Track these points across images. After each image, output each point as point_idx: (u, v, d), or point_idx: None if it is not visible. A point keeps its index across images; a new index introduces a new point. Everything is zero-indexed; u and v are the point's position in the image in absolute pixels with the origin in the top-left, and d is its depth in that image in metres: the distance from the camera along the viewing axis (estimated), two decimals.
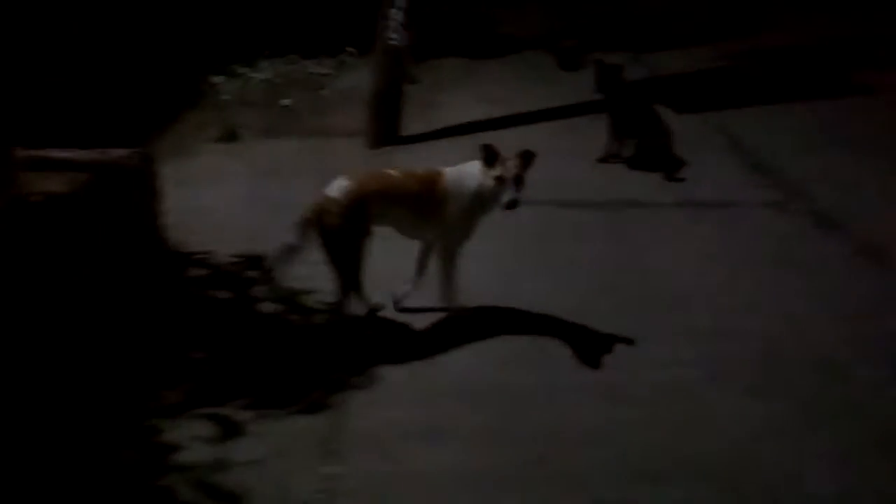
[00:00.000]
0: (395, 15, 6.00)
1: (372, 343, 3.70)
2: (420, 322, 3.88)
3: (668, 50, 9.80)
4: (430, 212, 3.55)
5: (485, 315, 3.90)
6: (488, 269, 4.23)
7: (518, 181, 3.35)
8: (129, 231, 4.07)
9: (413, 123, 6.99)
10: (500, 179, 3.33)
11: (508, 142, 6.45)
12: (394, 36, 6.10)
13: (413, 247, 3.85)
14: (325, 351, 3.63)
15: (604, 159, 6.04)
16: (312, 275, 4.29)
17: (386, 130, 6.48)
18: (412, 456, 2.97)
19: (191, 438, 3.07)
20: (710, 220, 5.03)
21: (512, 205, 3.32)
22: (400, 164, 5.96)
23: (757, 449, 3.03)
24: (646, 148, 5.85)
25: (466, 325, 3.80)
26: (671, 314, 3.95)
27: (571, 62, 8.89)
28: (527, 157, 3.40)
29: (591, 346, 3.64)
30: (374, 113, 6.47)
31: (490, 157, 3.38)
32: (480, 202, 3.49)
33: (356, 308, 3.78)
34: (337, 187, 3.49)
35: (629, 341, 3.68)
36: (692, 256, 4.56)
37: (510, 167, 3.34)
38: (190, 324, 3.87)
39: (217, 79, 8.52)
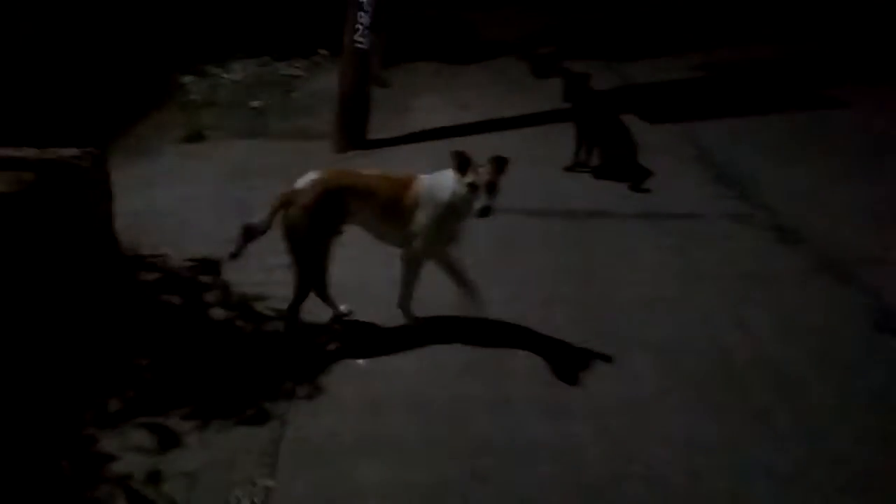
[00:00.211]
0: (362, 18, 5.93)
1: (321, 350, 3.63)
2: (373, 330, 3.81)
3: (642, 59, 9.82)
4: (399, 215, 3.48)
5: (440, 324, 3.85)
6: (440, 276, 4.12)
7: (491, 188, 3.24)
8: (78, 233, 3.96)
9: (383, 127, 6.92)
10: (472, 186, 3.23)
11: (478, 148, 6.50)
12: (360, 39, 6.03)
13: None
14: (272, 359, 3.55)
15: (571, 168, 6.02)
16: (266, 280, 4.26)
17: (353, 134, 6.41)
18: (353, 469, 2.90)
19: (128, 449, 3.00)
20: (673, 232, 5.00)
21: (485, 212, 3.21)
22: (364, 168, 5.97)
23: (707, 464, 2.99)
24: (611, 157, 5.83)
25: (421, 333, 3.74)
26: (627, 326, 3.92)
27: (546, 69, 8.89)
28: (500, 164, 3.28)
29: (544, 357, 3.59)
30: (340, 117, 6.41)
31: (462, 163, 3.28)
32: (453, 211, 3.39)
33: (314, 313, 3.72)
34: (305, 180, 3.43)
35: (583, 353, 3.64)
36: (652, 268, 4.53)
37: (483, 174, 3.24)
38: (137, 329, 3.78)
39: (186, 79, 8.46)
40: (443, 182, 3.41)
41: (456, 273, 3.70)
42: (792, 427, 3.22)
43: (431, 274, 3.82)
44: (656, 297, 4.21)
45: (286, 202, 3.39)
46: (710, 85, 8.85)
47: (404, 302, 3.76)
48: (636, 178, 5.77)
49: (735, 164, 6.23)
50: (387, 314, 3.85)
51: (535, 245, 4.80)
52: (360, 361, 3.55)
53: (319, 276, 3.61)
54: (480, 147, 6.41)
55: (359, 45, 6.12)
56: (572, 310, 4.06)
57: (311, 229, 3.39)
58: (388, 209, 3.47)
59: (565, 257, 4.64)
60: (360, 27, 6.04)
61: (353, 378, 3.43)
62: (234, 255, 3.45)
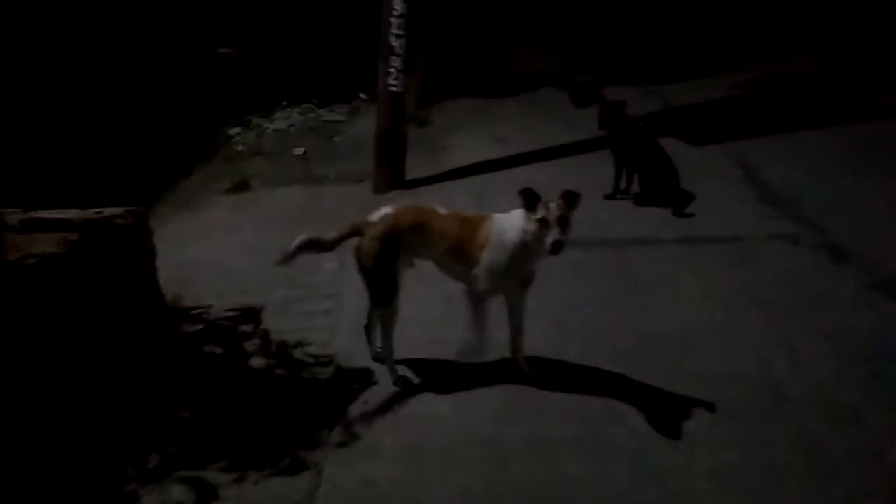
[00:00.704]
0: (394, 62, 6.02)
1: (357, 395, 3.62)
2: (411, 371, 3.80)
3: (681, 81, 9.66)
4: (468, 254, 3.47)
5: (475, 366, 3.80)
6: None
7: (563, 223, 3.14)
8: (122, 289, 4.08)
9: (421, 166, 6.97)
10: (543, 222, 3.14)
11: (516, 182, 6.50)
12: (393, 83, 6.11)
13: None
14: (309, 406, 3.57)
15: (611, 196, 5.93)
16: (306, 326, 4.32)
17: (392, 175, 6.47)
18: None
19: None
20: (718, 256, 4.86)
21: (556, 247, 3.10)
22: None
23: None
24: (651, 183, 5.73)
25: (456, 374, 3.71)
26: (670, 357, 3.81)
27: (585, 98, 8.82)
28: (571, 198, 3.20)
29: (583, 393, 3.51)
30: (378, 158, 6.48)
31: (531, 200, 3.20)
32: (523, 250, 3.32)
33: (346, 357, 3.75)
34: (379, 213, 3.55)
35: (624, 387, 3.54)
36: (695, 296, 4.40)
37: (553, 209, 3.15)
38: (179, 381, 3.85)
39: (233, 130, 8.71)
40: (513, 221, 3.36)
41: (517, 317, 3.65)
42: (848, 462, 3.05)
43: (466, 321, 3.79)
44: (700, 326, 4.08)
45: (356, 231, 3.51)
46: (752, 102, 8.64)
47: (467, 341, 3.73)
48: (678, 202, 5.65)
49: (782, 183, 6.04)
50: (422, 360, 3.84)
51: (574, 276, 4.72)
52: (396, 408, 3.51)
53: (387, 304, 3.60)
54: (518, 180, 6.48)
55: (393, 89, 6.21)
56: (612, 342, 3.97)
57: (380, 260, 3.46)
58: (458, 247, 3.48)
59: (605, 288, 4.56)
60: (394, 70, 6.13)
61: (388, 423, 3.41)
62: (285, 260, 3.55)
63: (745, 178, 6.26)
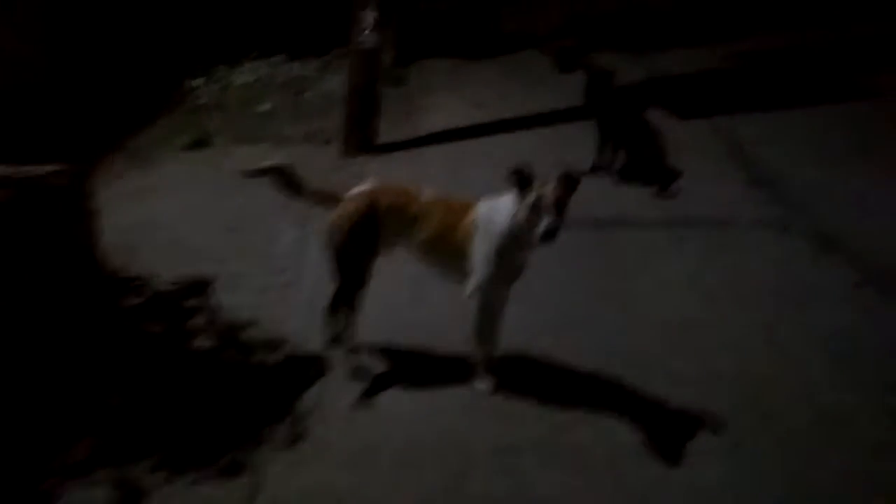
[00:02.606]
0: (368, 16, 5.57)
1: (308, 385, 3.30)
2: (370, 360, 3.48)
3: (673, 49, 9.29)
4: (453, 246, 3.10)
5: (440, 357, 3.50)
6: (446, 297, 3.64)
7: (559, 208, 2.79)
8: (53, 257, 3.69)
9: (394, 129, 6.58)
10: (536, 207, 2.80)
11: (494, 151, 6.15)
12: (366, 38, 5.67)
13: None
14: (254, 397, 3.25)
15: (593, 171, 5.60)
16: (259, 303, 3.98)
17: (361, 138, 6.07)
18: None
19: None
20: (703, 242, 4.58)
21: (549, 235, 2.75)
22: (373, 174, 5.63)
23: None
24: (636, 160, 5.41)
25: (418, 369, 3.40)
26: (651, 354, 3.54)
27: (570, 63, 8.42)
28: (569, 182, 2.84)
29: (556, 394, 3.23)
30: (348, 119, 6.07)
31: (522, 182, 2.85)
32: (514, 239, 2.96)
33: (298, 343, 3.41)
34: (357, 189, 3.18)
35: (600, 388, 3.27)
36: (679, 285, 4.13)
37: (548, 192, 2.80)
38: (113, 362, 3.50)
39: (196, 82, 8.20)
40: (501, 206, 2.99)
41: (494, 318, 3.28)
42: (840, 473, 2.81)
43: (435, 301, 3.48)
44: (683, 319, 3.81)
45: (331, 200, 3.17)
46: (744, 76, 8.31)
47: (480, 355, 3.30)
48: (663, 180, 5.35)
49: (770, 164, 5.76)
50: (383, 348, 3.55)
51: (550, 258, 4.38)
52: (352, 401, 3.21)
53: (352, 291, 3.25)
54: (497, 149, 6.14)
55: (367, 45, 5.77)
56: (589, 335, 3.69)
57: (351, 241, 3.10)
58: (441, 237, 3.10)
59: (584, 273, 4.26)
60: (368, 26, 5.68)
61: (340, 420, 3.10)
62: (250, 174, 3.24)
63: (733, 157, 5.98)
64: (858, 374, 3.39)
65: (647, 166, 5.40)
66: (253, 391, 3.30)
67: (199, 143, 6.49)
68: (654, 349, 3.58)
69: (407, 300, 3.95)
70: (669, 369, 3.42)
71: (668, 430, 3.04)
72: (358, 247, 3.14)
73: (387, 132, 6.43)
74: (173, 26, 8.87)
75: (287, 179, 3.18)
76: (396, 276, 3.91)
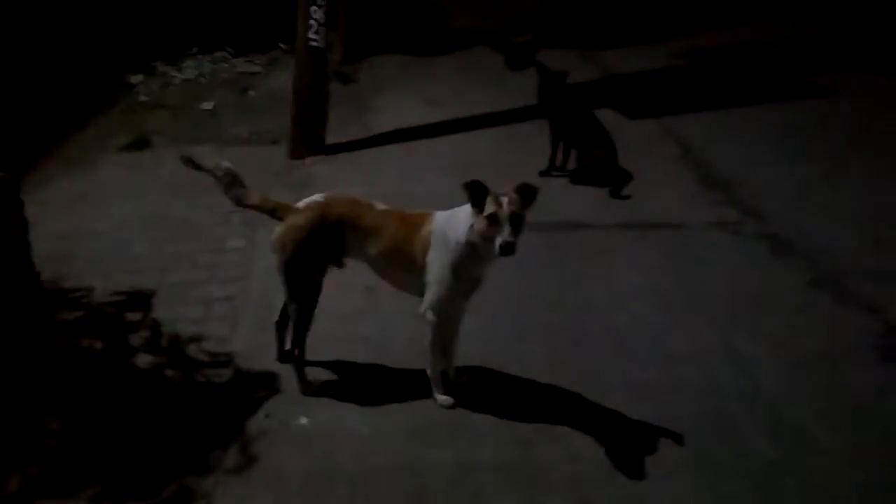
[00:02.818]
0: (316, 13, 5.41)
1: (256, 407, 3.16)
2: (322, 376, 3.36)
3: (622, 47, 9.35)
4: (408, 259, 2.98)
5: (395, 372, 3.39)
6: (401, 308, 3.54)
7: (515, 221, 2.70)
8: None
9: (344, 130, 6.43)
10: (492, 220, 2.69)
11: (447, 151, 6.05)
12: (314, 36, 5.51)
13: None
14: (202, 418, 3.09)
15: (546, 172, 5.56)
16: (204, 316, 3.83)
17: (310, 139, 5.90)
18: None
19: None
20: (656, 246, 4.57)
21: (507, 249, 2.65)
22: (322, 176, 5.49)
23: None
24: (590, 161, 5.39)
25: (373, 386, 3.29)
26: (609, 363, 3.49)
27: (521, 61, 8.38)
28: (527, 193, 2.76)
29: (514, 409, 3.16)
30: (296, 119, 5.89)
31: (477, 195, 2.75)
32: (470, 253, 2.86)
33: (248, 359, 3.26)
34: (307, 200, 3.06)
35: (560, 401, 3.21)
36: (633, 290, 4.10)
37: (505, 204, 2.70)
38: (49, 382, 3.30)
39: (135, 78, 7.91)
40: (458, 218, 2.88)
41: (451, 332, 3.20)
42: (797, 488, 2.81)
43: (389, 313, 3.37)
44: (640, 326, 3.79)
45: (277, 211, 3.03)
46: (692, 74, 8.40)
47: (433, 371, 3.20)
48: (616, 182, 5.34)
49: (721, 163, 5.82)
50: (335, 362, 3.43)
51: (504, 264, 4.32)
52: (303, 421, 3.08)
53: (302, 305, 3.10)
54: (451, 149, 6.04)
55: (313, 43, 5.60)
56: (546, 345, 3.63)
57: (300, 254, 2.97)
58: (396, 250, 2.98)
59: (539, 279, 4.20)
60: (314, 23, 5.52)
61: (292, 443, 2.97)
62: (190, 164, 3.07)
63: (684, 157, 6.01)
64: (815, 381, 3.40)
65: (600, 168, 5.38)
66: (199, 412, 3.14)
67: (139, 144, 6.24)
68: (611, 359, 3.53)
69: (360, 312, 3.83)
70: (628, 379, 3.38)
71: (630, 444, 2.99)
72: (308, 260, 3.01)
73: (337, 132, 6.28)
74: (110, 19, 8.51)
75: (231, 180, 3.02)
76: (349, 287, 3.81)
